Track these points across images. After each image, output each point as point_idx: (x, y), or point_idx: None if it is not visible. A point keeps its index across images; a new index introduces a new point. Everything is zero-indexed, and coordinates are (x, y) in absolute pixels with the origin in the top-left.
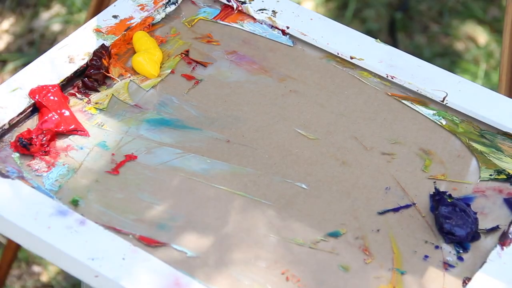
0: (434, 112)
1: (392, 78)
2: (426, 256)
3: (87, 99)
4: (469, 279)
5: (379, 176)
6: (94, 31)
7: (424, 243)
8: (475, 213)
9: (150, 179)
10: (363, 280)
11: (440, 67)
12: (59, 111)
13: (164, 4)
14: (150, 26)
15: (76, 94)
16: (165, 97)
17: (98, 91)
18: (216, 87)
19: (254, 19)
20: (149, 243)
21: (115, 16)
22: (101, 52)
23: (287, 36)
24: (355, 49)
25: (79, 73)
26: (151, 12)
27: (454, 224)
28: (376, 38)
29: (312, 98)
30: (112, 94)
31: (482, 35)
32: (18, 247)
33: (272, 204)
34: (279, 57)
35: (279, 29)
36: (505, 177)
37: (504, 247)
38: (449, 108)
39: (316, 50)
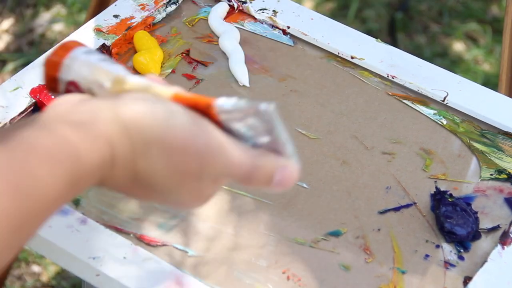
0: (435, 111)
1: (393, 78)
2: (427, 255)
3: None
4: (470, 278)
5: (379, 176)
6: (95, 30)
7: (425, 243)
8: (476, 213)
9: None
10: (364, 279)
11: (440, 67)
12: None
13: (165, 3)
14: (151, 26)
15: None
16: None
17: None
18: (217, 87)
19: (255, 18)
20: (150, 242)
21: (116, 16)
22: (102, 52)
23: (288, 35)
24: (356, 48)
25: None
26: (152, 12)
27: (455, 224)
28: (376, 38)
29: (313, 97)
30: None
31: (482, 35)
32: None
33: (273, 204)
34: (280, 56)
35: (280, 29)
36: (505, 176)
37: (505, 247)
38: (449, 108)
39: (316, 49)
